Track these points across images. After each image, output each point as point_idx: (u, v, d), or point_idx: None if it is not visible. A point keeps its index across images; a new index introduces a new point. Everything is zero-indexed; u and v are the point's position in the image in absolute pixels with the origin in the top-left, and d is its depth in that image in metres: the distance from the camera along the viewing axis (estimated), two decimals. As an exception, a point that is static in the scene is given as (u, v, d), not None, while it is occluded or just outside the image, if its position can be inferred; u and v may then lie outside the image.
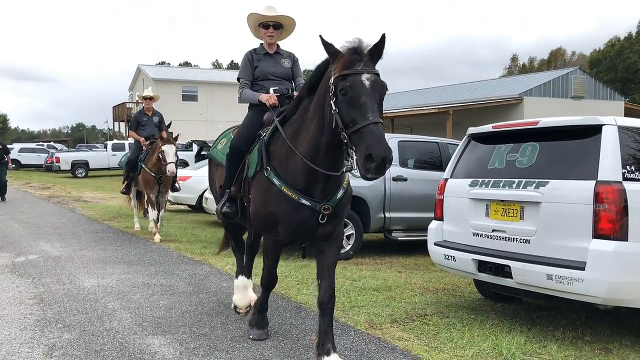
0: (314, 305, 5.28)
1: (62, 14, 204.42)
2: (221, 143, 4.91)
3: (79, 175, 28.94)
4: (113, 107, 48.18)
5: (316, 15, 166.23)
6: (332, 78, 3.14)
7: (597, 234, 4.03)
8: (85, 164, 29.72)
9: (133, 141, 10.69)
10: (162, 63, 72.00)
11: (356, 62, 3.10)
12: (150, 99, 10.04)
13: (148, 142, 9.70)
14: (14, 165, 15.42)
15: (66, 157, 30.24)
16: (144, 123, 10.00)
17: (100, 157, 30.51)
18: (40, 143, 45.73)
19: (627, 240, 3.97)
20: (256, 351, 4.01)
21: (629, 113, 24.87)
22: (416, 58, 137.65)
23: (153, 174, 9.26)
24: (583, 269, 4.00)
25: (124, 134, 44.95)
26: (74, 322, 4.64)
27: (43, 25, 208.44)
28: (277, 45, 4.65)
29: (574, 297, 4.17)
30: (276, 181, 3.68)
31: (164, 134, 9.29)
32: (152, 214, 9.35)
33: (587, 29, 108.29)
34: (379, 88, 3.09)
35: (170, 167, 8.84)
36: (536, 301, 5.64)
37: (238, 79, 4.59)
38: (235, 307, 4.85)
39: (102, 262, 7.23)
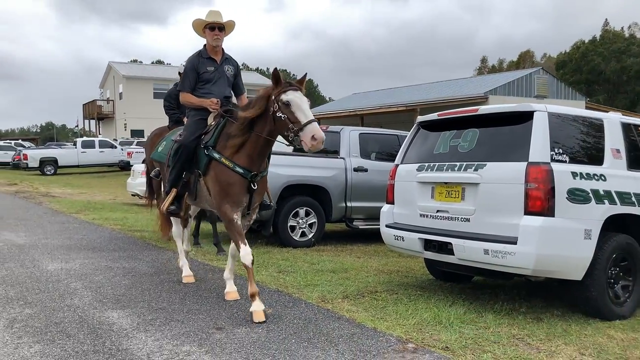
0: (270, 283, 5.55)
1: (29, 11, 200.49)
2: None
3: (48, 173, 28.49)
4: (83, 104, 47.69)
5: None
6: None
7: (528, 211, 4.37)
8: (54, 162, 29.25)
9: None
10: (134, 61, 71.24)
11: None
12: (221, 29, 5.14)
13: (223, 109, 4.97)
14: None
15: (34, 154, 29.71)
16: (208, 76, 5.18)
17: (69, 154, 30.02)
18: (8, 141, 44.87)
19: (554, 217, 4.33)
20: (210, 321, 4.24)
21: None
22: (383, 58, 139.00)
23: (242, 170, 4.57)
24: (515, 243, 4.35)
25: (96, 133, 44.45)
26: (35, 300, 4.79)
27: (9, 20, 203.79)
28: None
29: (507, 269, 4.51)
30: None
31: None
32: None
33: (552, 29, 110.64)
34: None
35: (316, 131, 4.14)
36: (483, 281, 6.00)
37: None
38: None
39: (66, 248, 7.35)
